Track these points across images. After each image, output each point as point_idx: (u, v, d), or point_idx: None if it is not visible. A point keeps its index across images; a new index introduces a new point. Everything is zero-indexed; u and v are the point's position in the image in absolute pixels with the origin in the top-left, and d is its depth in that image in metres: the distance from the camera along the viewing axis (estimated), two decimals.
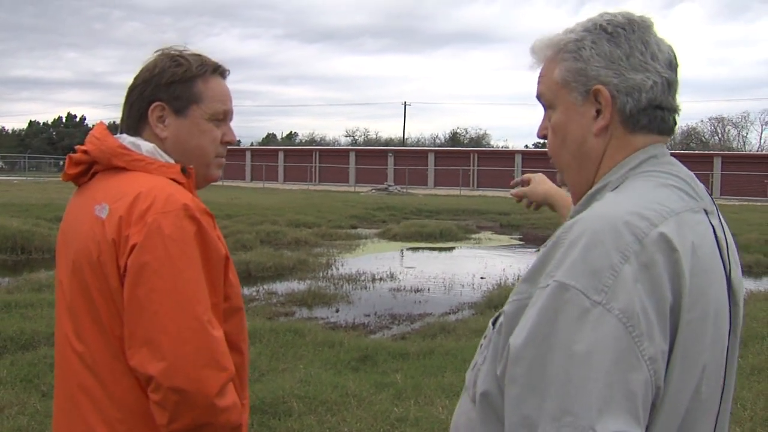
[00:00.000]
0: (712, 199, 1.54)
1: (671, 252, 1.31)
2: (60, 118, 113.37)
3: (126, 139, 2.05)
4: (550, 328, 1.28)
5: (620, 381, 1.23)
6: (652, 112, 1.51)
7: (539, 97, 1.64)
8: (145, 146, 2.04)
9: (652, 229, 1.32)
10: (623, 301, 1.26)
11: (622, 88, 1.48)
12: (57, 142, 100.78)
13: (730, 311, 1.44)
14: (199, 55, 2.14)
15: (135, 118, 2.09)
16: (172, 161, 2.05)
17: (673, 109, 1.54)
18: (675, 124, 1.56)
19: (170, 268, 1.83)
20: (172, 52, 2.14)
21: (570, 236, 1.35)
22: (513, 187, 2.62)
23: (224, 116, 2.16)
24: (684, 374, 1.33)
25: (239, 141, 73.71)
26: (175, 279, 1.83)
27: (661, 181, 1.46)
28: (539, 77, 1.64)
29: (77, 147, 2.07)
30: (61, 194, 32.09)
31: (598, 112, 1.51)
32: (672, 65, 1.53)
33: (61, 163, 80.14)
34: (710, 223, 1.46)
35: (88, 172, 2.07)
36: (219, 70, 2.16)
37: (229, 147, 2.22)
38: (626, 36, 1.50)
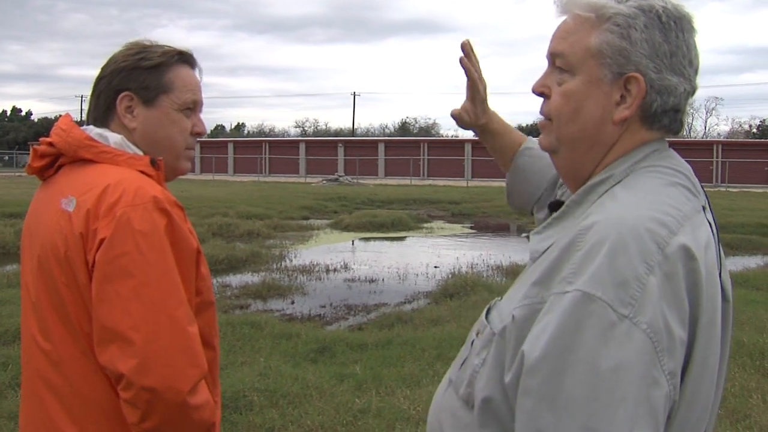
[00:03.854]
0: (705, 192, 1.51)
1: (691, 261, 1.28)
2: (5, 111, 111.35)
3: (93, 130, 2.00)
4: (572, 340, 1.22)
5: (646, 398, 1.19)
6: (672, 115, 1.46)
7: (553, 54, 1.51)
8: (112, 138, 1.99)
9: (672, 237, 1.28)
10: (650, 314, 1.21)
11: (657, 85, 1.41)
12: (2, 137, 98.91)
13: (722, 308, 1.41)
14: (168, 46, 2.10)
15: (102, 109, 2.04)
16: (140, 153, 2.01)
17: (687, 112, 1.50)
18: (683, 123, 1.51)
19: (140, 263, 1.78)
20: (142, 42, 2.10)
21: (589, 240, 1.29)
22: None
23: (194, 106, 2.12)
24: (698, 383, 1.30)
25: None
26: (146, 274, 1.78)
27: (668, 179, 1.42)
28: (562, 33, 1.51)
29: (42, 139, 2.02)
30: (6, 190, 31.49)
31: (622, 97, 1.43)
32: (697, 72, 1.47)
33: (6, 157, 78.73)
34: (707, 220, 1.43)
35: (53, 165, 2.02)
36: (188, 60, 2.13)
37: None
38: (677, 32, 1.42)
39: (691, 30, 1.45)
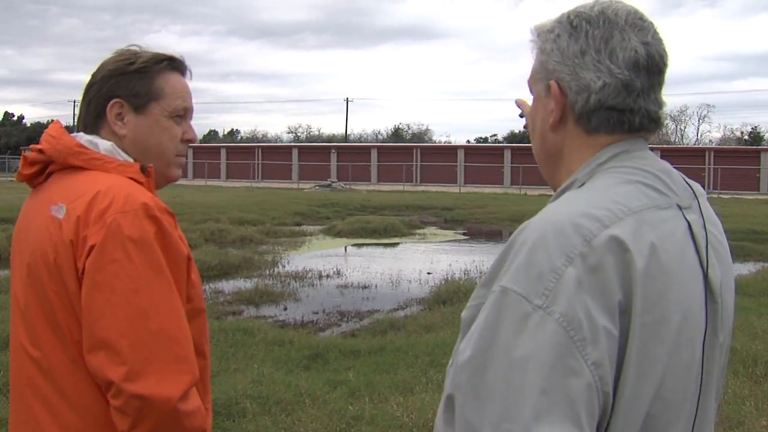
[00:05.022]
0: (694, 192, 1.49)
1: (622, 252, 1.27)
2: None
3: (83, 137, 1.99)
4: (493, 333, 1.25)
5: (559, 386, 1.19)
6: (604, 114, 1.43)
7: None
8: (102, 145, 1.98)
9: (602, 230, 1.28)
10: (564, 304, 1.22)
11: (574, 86, 1.44)
12: None
13: (706, 310, 1.39)
14: (158, 52, 2.10)
15: (92, 116, 2.03)
16: (131, 160, 2.00)
17: (634, 111, 1.43)
18: (642, 123, 1.45)
19: (130, 270, 1.77)
20: (132, 49, 2.09)
21: (520, 239, 1.32)
22: None
23: (184, 113, 2.11)
24: (639, 378, 1.28)
25: None
26: (135, 281, 1.77)
27: (626, 178, 1.40)
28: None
29: (32, 146, 2.01)
30: None
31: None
32: (638, 65, 1.42)
33: None
34: (685, 218, 1.40)
35: (43, 172, 2.01)
36: (178, 66, 2.12)
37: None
38: (587, 31, 1.44)
39: (611, 22, 1.44)
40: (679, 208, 1.42)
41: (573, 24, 1.46)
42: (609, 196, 1.35)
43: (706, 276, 1.40)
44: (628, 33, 1.44)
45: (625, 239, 1.28)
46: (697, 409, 1.41)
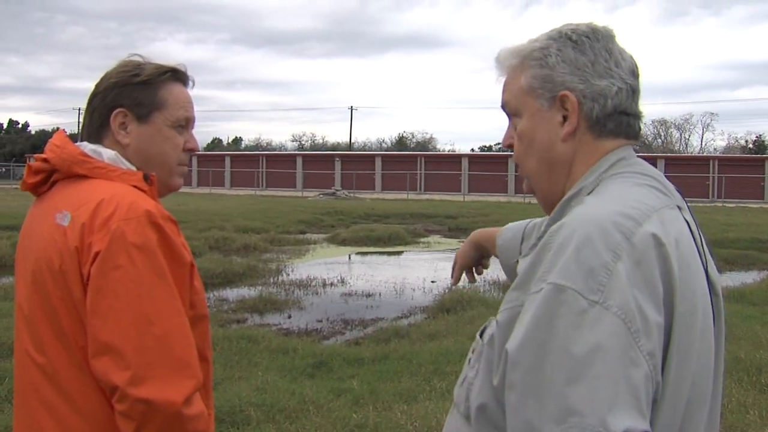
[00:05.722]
0: (681, 195, 1.57)
1: (660, 247, 1.34)
2: (1, 124, 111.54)
3: (87, 146, 2.02)
4: (548, 330, 1.28)
5: (624, 377, 1.23)
6: (618, 118, 1.54)
7: (504, 106, 1.66)
8: (106, 153, 2.01)
9: (638, 227, 1.34)
10: (619, 298, 1.27)
11: (588, 93, 1.52)
12: None
13: (712, 302, 1.46)
14: (161, 63, 2.13)
15: (96, 125, 2.07)
16: (134, 168, 2.03)
17: (637, 115, 1.57)
18: (640, 129, 1.59)
19: (134, 275, 1.80)
20: (135, 59, 2.12)
21: (558, 239, 1.36)
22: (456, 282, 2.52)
23: (187, 123, 2.15)
24: (681, 367, 1.34)
25: None
26: (139, 286, 1.80)
27: (636, 181, 1.49)
28: (504, 86, 1.66)
29: (36, 155, 2.03)
30: (3, 202, 31.48)
31: (565, 117, 1.54)
32: (634, 73, 1.57)
33: (3, 170, 78.72)
34: (684, 218, 1.49)
35: (47, 180, 2.04)
36: (181, 77, 2.15)
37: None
38: (590, 44, 1.54)
39: (608, 37, 1.57)
40: (679, 209, 1.50)
41: (572, 39, 1.55)
42: (631, 197, 1.43)
43: (706, 271, 1.48)
44: (618, 45, 1.57)
45: (660, 234, 1.35)
46: (711, 396, 1.48)
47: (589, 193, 1.50)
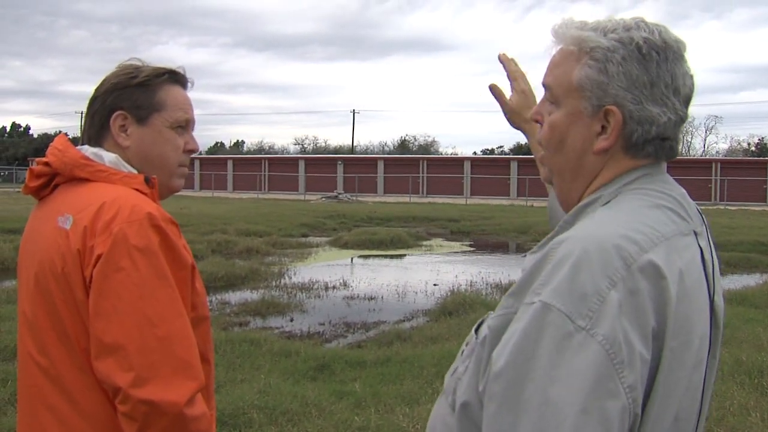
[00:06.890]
0: (702, 218, 1.53)
1: (659, 279, 1.30)
2: (4, 128, 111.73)
3: (88, 150, 2.04)
4: (533, 349, 1.26)
5: (597, 408, 1.21)
6: (658, 143, 1.46)
7: (544, 86, 1.56)
8: (107, 157, 2.03)
9: (641, 255, 1.30)
10: (607, 327, 1.24)
11: (636, 116, 1.43)
12: (1, 153, 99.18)
13: (711, 334, 1.43)
14: (160, 66, 2.15)
15: (96, 128, 2.08)
16: (135, 172, 2.04)
17: (677, 139, 1.50)
18: (677, 150, 1.52)
19: (136, 278, 1.81)
20: (133, 63, 2.14)
21: (558, 254, 1.33)
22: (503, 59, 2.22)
23: (186, 124, 2.16)
24: (665, 402, 1.32)
25: None
26: (141, 288, 1.81)
27: (653, 201, 1.43)
28: (550, 66, 1.55)
29: (38, 159, 2.04)
30: (5, 205, 31.51)
31: (603, 128, 1.46)
32: (689, 101, 1.48)
33: (6, 173, 78.79)
34: (699, 245, 1.44)
35: (49, 184, 2.05)
36: (179, 79, 2.17)
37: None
38: (658, 62, 1.43)
39: (678, 58, 1.46)
40: (695, 234, 1.44)
41: (642, 51, 1.43)
42: (641, 219, 1.38)
43: (712, 301, 1.43)
44: (684, 66, 1.47)
45: (662, 265, 1.31)
46: (696, 428, 1.44)
47: (605, 204, 1.45)
